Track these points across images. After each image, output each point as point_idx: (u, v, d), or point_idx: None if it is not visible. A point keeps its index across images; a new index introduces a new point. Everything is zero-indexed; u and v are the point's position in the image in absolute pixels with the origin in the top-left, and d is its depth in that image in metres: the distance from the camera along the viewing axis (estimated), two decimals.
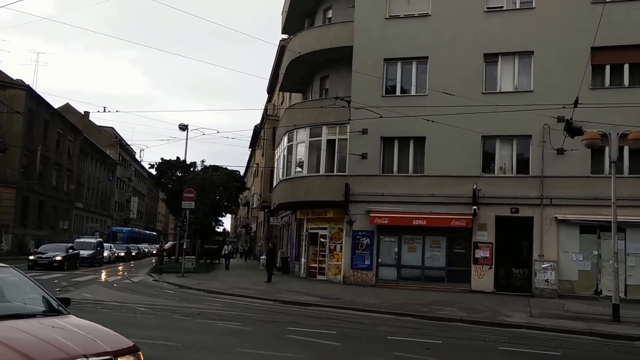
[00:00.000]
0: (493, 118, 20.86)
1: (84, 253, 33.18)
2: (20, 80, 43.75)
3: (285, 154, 26.82)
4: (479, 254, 21.79)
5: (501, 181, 22.03)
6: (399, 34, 23.78)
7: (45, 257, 27.93)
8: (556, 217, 20.99)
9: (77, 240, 37.85)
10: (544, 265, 20.80)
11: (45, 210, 48.37)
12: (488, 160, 22.42)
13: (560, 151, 20.48)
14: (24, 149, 42.13)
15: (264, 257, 31.08)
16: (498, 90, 22.42)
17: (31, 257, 28.51)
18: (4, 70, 44.61)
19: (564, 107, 17.87)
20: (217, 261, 40.08)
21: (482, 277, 21.60)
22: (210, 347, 9.25)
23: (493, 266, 21.62)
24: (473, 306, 16.69)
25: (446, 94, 20.27)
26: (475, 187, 21.63)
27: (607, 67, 21.33)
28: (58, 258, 28.09)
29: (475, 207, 21.55)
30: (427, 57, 23.26)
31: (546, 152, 20.96)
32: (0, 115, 39.39)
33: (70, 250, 30.39)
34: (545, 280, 20.72)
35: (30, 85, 43.59)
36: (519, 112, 20.32)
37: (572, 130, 15.95)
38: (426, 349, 9.92)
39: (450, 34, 22.88)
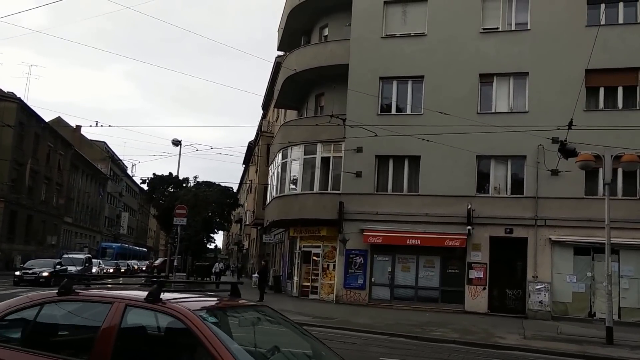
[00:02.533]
0: (488, 138, 20.87)
1: (72, 269, 32.65)
2: (12, 92, 43.53)
3: (279, 171, 26.69)
4: (473, 274, 21.64)
5: (495, 201, 21.98)
6: (394, 53, 23.87)
7: (32, 273, 27.47)
8: (550, 238, 20.92)
9: (65, 256, 37.27)
10: (537, 287, 20.67)
11: (34, 224, 47.81)
12: (482, 180, 22.40)
13: (555, 172, 20.50)
14: (14, 162, 41.77)
15: (256, 275, 30.77)
16: (493, 111, 22.48)
17: (17, 273, 28.03)
18: None
19: (558, 129, 17.93)
20: (208, 279, 39.63)
21: (476, 298, 21.43)
22: None
23: (487, 287, 21.46)
24: (466, 327, 16.49)
25: (441, 113, 20.30)
26: (469, 207, 21.55)
27: (601, 90, 21.49)
28: (45, 274, 27.63)
29: (469, 227, 21.45)
30: (422, 77, 23.33)
31: (540, 173, 20.97)
32: None
33: (58, 266, 29.93)
34: (539, 302, 20.57)
35: (22, 98, 43.36)
36: (514, 133, 20.33)
37: (567, 151, 15.98)
38: None
39: (446, 54, 22.98)
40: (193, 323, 3.59)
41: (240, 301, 4.63)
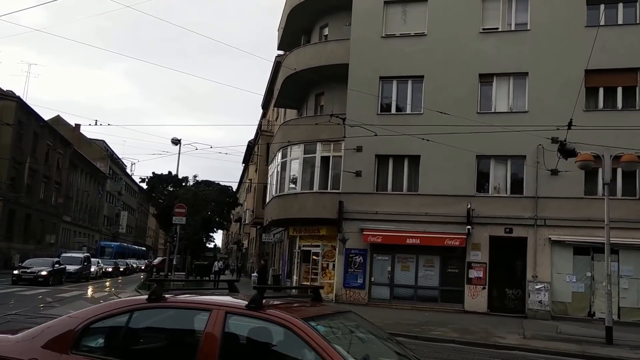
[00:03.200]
0: (487, 138, 20.88)
1: (71, 268, 32.66)
2: (11, 91, 43.55)
3: (279, 170, 26.68)
4: (473, 274, 21.65)
5: (495, 201, 21.99)
6: (394, 52, 23.86)
7: (30, 272, 27.40)
8: (550, 238, 20.94)
9: (64, 254, 37.28)
10: (537, 286, 20.69)
11: (32, 223, 47.77)
12: (482, 180, 22.41)
13: (554, 172, 20.51)
14: (12, 161, 41.75)
15: (255, 274, 30.76)
16: (493, 111, 22.48)
17: (15, 272, 27.97)
18: None
19: (558, 129, 17.95)
20: (208, 278, 39.64)
21: (476, 298, 21.44)
22: None
23: (486, 286, 21.47)
24: (466, 327, 16.50)
25: (441, 113, 20.31)
26: (469, 206, 21.57)
27: (601, 90, 21.50)
28: (43, 273, 27.58)
29: (469, 226, 21.46)
30: (422, 76, 23.34)
31: (540, 172, 20.98)
32: None
33: (57, 265, 29.91)
34: (539, 302, 20.58)
35: (21, 97, 43.37)
36: (514, 133, 20.34)
37: (566, 151, 16.00)
38: None
39: (446, 54, 22.99)
40: (305, 332, 3.49)
41: (325, 306, 4.50)
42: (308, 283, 25.53)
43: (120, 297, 23.53)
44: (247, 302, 3.75)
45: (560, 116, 18.51)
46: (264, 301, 3.79)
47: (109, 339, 4.09)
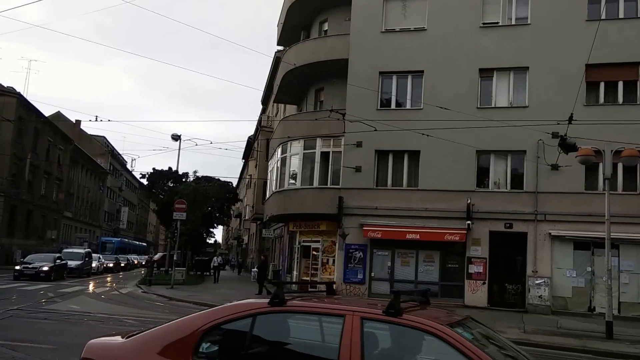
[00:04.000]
0: (488, 133, 20.84)
1: (72, 263, 32.72)
2: (11, 87, 43.52)
3: (279, 165, 26.67)
4: (473, 269, 21.65)
5: (495, 196, 21.96)
6: (394, 47, 23.79)
7: (32, 267, 27.46)
8: (550, 233, 20.92)
9: (65, 250, 37.36)
10: (537, 281, 20.69)
11: (33, 219, 47.84)
12: (482, 175, 22.37)
13: (555, 167, 20.46)
14: (13, 157, 41.76)
15: (255, 269, 30.79)
16: (493, 105, 22.43)
17: (17, 267, 28.03)
18: None
19: (558, 123, 17.88)
20: (208, 273, 39.73)
21: (476, 293, 21.44)
22: None
23: (486, 281, 21.47)
24: None
25: (441, 108, 20.25)
26: (469, 201, 21.55)
27: (602, 84, 21.42)
28: (45, 268, 27.63)
29: (469, 221, 21.44)
30: (422, 71, 23.27)
31: (540, 167, 20.94)
32: None
33: (58, 261, 29.95)
34: (539, 296, 20.59)
35: (21, 93, 43.36)
36: (514, 128, 20.30)
37: (567, 146, 15.95)
38: None
39: (446, 49, 22.92)
40: (455, 339, 3.33)
41: (449, 312, 4.30)
42: (308, 278, 25.57)
43: (121, 292, 23.59)
44: (384, 308, 3.57)
45: (560, 111, 18.44)
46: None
47: (231, 345, 3.87)
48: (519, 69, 22.22)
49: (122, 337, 4.10)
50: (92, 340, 4.10)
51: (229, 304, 4.01)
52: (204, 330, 3.74)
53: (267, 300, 3.78)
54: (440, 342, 3.34)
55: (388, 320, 3.53)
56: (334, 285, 4.49)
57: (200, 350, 3.71)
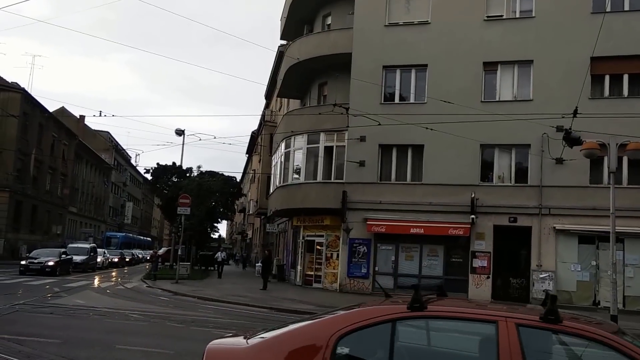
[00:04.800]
0: (492, 127, 20.79)
1: (77, 258, 32.86)
2: (16, 83, 43.64)
3: (283, 160, 26.67)
4: (477, 263, 21.64)
5: (499, 190, 21.92)
6: (398, 41, 23.72)
7: (38, 262, 27.56)
8: (554, 227, 20.88)
9: (71, 245, 37.51)
10: (541, 275, 20.67)
11: (39, 214, 48.00)
12: (486, 169, 22.32)
13: (559, 161, 20.40)
14: (18, 152, 41.84)
15: (259, 264, 30.85)
16: (497, 99, 22.36)
17: (23, 262, 28.12)
18: None
19: (563, 117, 17.79)
20: (212, 268, 39.82)
21: (480, 287, 21.44)
22: None
23: (491, 276, 21.47)
24: None
25: (445, 102, 20.18)
26: (473, 196, 21.51)
27: (607, 77, 21.33)
28: (50, 263, 27.74)
29: (473, 216, 21.42)
30: (426, 65, 23.20)
31: (545, 161, 20.88)
32: None
33: (63, 256, 30.07)
34: (543, 291, 20.53)
35: (26, 89, 43.45)
36: (518, 122, 20.24)
37: (571, 140, 15.84)
38: None
39: (450, 42, 22.83)
40: (629, 349, 3.09)
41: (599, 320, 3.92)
42: (312, 273, 25.61)
43: (125, 287, 23.68)
44: (540, 314, 3.29)
45: (565, 104, 18.36)
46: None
47: (369, 352, 3.57)
48: (524, 62, 22.13)
49: (243, 338, 3.88)
50: (213, 344, 3.87)
51: (363, 308, 3.76)
52: (338, 336, 3.44)
53: (405, 305, 3.51)
54: (607, 350, 3.10)
55: (548, 327, 3.26)
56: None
57: (336, 358, 3.41)
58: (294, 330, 3.74)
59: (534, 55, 21.87)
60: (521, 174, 21.84)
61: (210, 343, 3.86)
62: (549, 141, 20.39)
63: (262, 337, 3.77)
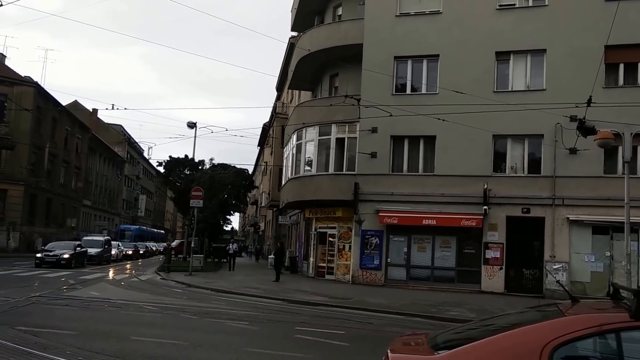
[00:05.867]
0: (504, 117, 20.64)
1: (92, 251, 33.21)
2: (29, 77, 43.93)
3: (294, 152, 26.69)
4: (490, 254, 21.57)
5: (512, 181, 21.80)
6: (409, 31, 23.57)
7: (53, 255, 27.89)
8: (568, 218, 20.73)
9: (85, 238, 37.87)
10: (555, 266, 20.55)
11: (53, 207, 48.49)
12: (499, 159, 22.19)
13: (573, 151, 20.22)
14: (32, 146, 42.22)
15: (272, 256, 30.93)
16: (510, 89, 22.17)
17: (38, 255, 28.47)
18: (12, 67, 44.84)
19: (576, 106, 17.58)
20: (225, 260, 39.99)
21: (493, 278, 21.37)
22: (217, 347, 9.13)
23: (503, 267, 21.39)
24: (483, 307, 16.48)
25: (457, 92, 20.04)
26: (486, 186, 21.40)
27: (621, 66, 21.05)
28: (65, 256, 28.06)
29: (485, 207, 21.33)
30: (437, 55, 23.04)
31: (558, 151, 20.71)
32: (9, 112, 39.50)
33: (78, 248, 30.39)
34: (557, 282, 20.44)
35: (39, 82, 43.71)
36: (531, 111, 20.07)
37: (585, 129, 15.68)
38: None
39: (462, 32, 22.66)
40: None
41: None
42: (324, 264, 25.66)
43: (140, 279, 23.89)
44: None
45: (579, 93, 18.12)
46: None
47: None
48: (537, 51, 21.90)
49: (425, 349, 3.64)
50: (394, 356, 3.59)
51: (580, 315, 3.49)
52: (553, 346, 3.14)
53: (626, 314, 3.22)
54: None
55: None
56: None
57: None
58: (497, 340, 3.40)
59: (547, 44, 21.63)
60: (534, 165, 21.68)
61: (391, 354, 3.57)
62: (562, 131, 20.21)
63: (452, 348, 3.43)
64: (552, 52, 21.55)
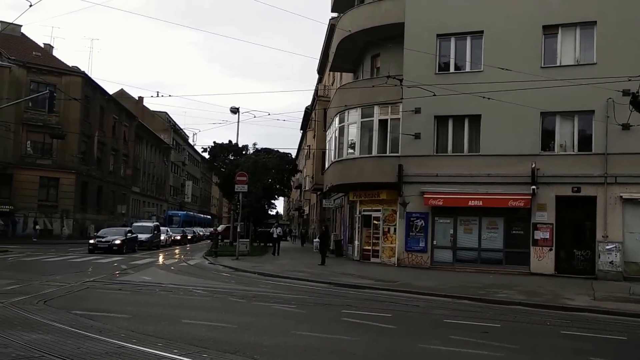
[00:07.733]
0: (553, 93, 19.98)
1: (142, 237, 34.07)
2: (76, 67, 45.14)
3: (337, 135, 26.61)
4: (539, 235, 21.06)
5: (561, 159, 21.15)
6: (452, 8, 23.01)
7: (105, 241, 28.77)
8: (621, 196, 20.01)
9: (135, 224, 38.86)
10: (608, 247, 19.92)
11: (104, 195, 49.99)
12: (547, 137, 21.55)
13: (626, 126, 19.43)
14: (82, 135, 43.51)
15: (317, 239, 31.07)
16: (558, 64, 21.42)
17: (91, 241, 29.39)
18: (59, 58, 46.13)
19: (629, 80, 16.90)
20: (271, 244, 40.39)
21: (542, 259, 20.90)
22: (266, 329, 9.24)
23: (553, 248, 20.87)
24: (532, 289, 16.16)
25: (502, 69, 19.47)
26: (533, 166, 20.85)
27: None
28: (117, 242, 28.89)
29: (534, 186, 20.80)
30: (482, 32, 22.44)
31: (610, 128, 19.94)
32: (58, 102, 40.60)
33: (129, 234, 31.22)
34: (610, 262, 19.84)
35: (86, 72, 44.86)
36: (581, 87, 19.33)
37: (639, 104, 15.08)
38: (484, 333, 9.60)
39: (507, 6, 21.99)
40: None
41: None
42: (369, 247, 25.62)
43: (188, 264, 24.43)
44: None
45: (632, 67, 17.49)
46: None
47: None
48: (586, 24, 21.05)
49: None
50: None
51: None
52: None
53: None
54: None
55: None
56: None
57: None
58: None
59: (597, 15, 20.75)
60: (585, 142, 20.97)
61: None
62: (614, 106, 19.43)
63: None
64: (603, 24, 20.68)
